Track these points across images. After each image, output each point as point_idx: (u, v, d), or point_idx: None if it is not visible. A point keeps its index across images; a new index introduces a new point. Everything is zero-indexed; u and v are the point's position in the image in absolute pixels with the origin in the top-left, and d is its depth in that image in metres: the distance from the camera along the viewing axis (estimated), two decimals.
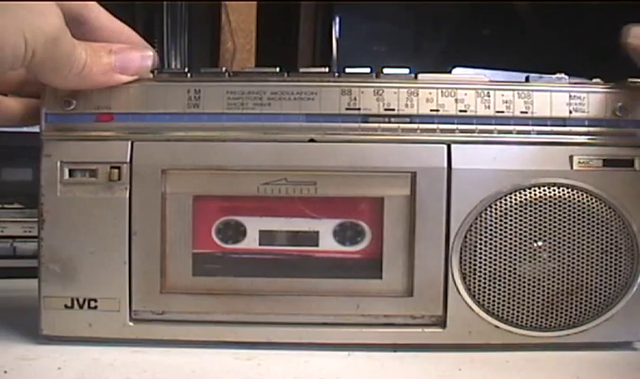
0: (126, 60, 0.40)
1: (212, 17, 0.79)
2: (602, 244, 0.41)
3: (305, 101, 0.41)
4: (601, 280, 0.41)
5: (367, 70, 0.42)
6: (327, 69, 0.42)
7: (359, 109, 0.41)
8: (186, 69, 0.42)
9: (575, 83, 0.41)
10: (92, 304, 0.41)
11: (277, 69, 0.42)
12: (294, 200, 0.41)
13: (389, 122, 0.41)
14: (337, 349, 0.41)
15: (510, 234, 0.40)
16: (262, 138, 0.41)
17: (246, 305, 0.41)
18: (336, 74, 0.41)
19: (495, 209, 0.40)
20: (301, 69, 0.42)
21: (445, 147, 0.41)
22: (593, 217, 0.41)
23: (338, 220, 0.42)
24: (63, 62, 0.37)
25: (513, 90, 0.41)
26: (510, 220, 0.40)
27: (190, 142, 0.41)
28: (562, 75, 0.41)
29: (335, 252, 0.42)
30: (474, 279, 0.41)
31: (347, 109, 0.41)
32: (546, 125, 0.41)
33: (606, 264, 0.41)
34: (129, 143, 0.41)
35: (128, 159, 0.41)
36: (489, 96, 0.41)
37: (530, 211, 0.40)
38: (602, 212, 0.41)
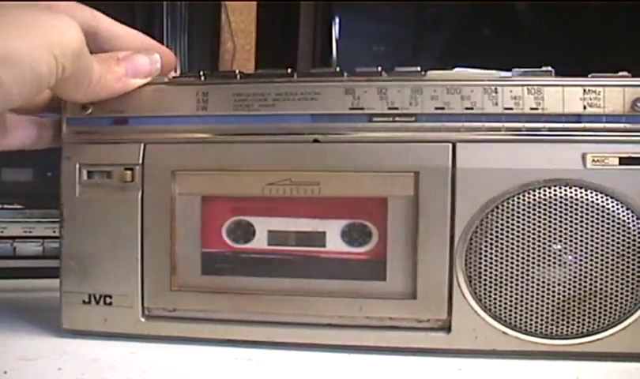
0: (136, 64, 0.41)
1: (212, 17, 0.79)
2: (618, 247, 0.38)
3: (309, 101, 0.41)
4: (618, 286, 0.38)
5: (378, 69, 0.41)
6: (337, 69, 0.42)
7: (362, 108, 0.40)
8: (201, 73, 0.43)
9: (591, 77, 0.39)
10: (108, 300, 0.43)
11: (289, 70, 0.42)
12: (301, 200, 0.41)
13: (394, 121, 0.40)
14: (341, 351, 0.41)
15: (518, 237, 0.39)
16: (267, 139, 0.41)
17: (251, 304, 0.42)
18: (345, 74, 0.41)
19: (502, 210, 0.39)
20: (311, 70, 0.42)
21: (450, 146, 0.39)
22: (609, 218, 0.38)
23: (345, 221, 0.42)
24: (83, 76, 0.39)
25: (523, 86, 0.39)
26: (518, 222, 0.39)
27: (198, 144, 0.42)
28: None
29: (342, 253, 0.42)
30: (480, 282, 0.39)
31: (350, 108, 0.40)
32: (559, 122, 0.39)
33: (622, 269, 0.38)
34: (142, 145, 0.42)
35: (140, 161, 0.42)
36: (496, 93, 0.39)
37: (539, 212, 0.38)
38: (618, 213, 0.38)
